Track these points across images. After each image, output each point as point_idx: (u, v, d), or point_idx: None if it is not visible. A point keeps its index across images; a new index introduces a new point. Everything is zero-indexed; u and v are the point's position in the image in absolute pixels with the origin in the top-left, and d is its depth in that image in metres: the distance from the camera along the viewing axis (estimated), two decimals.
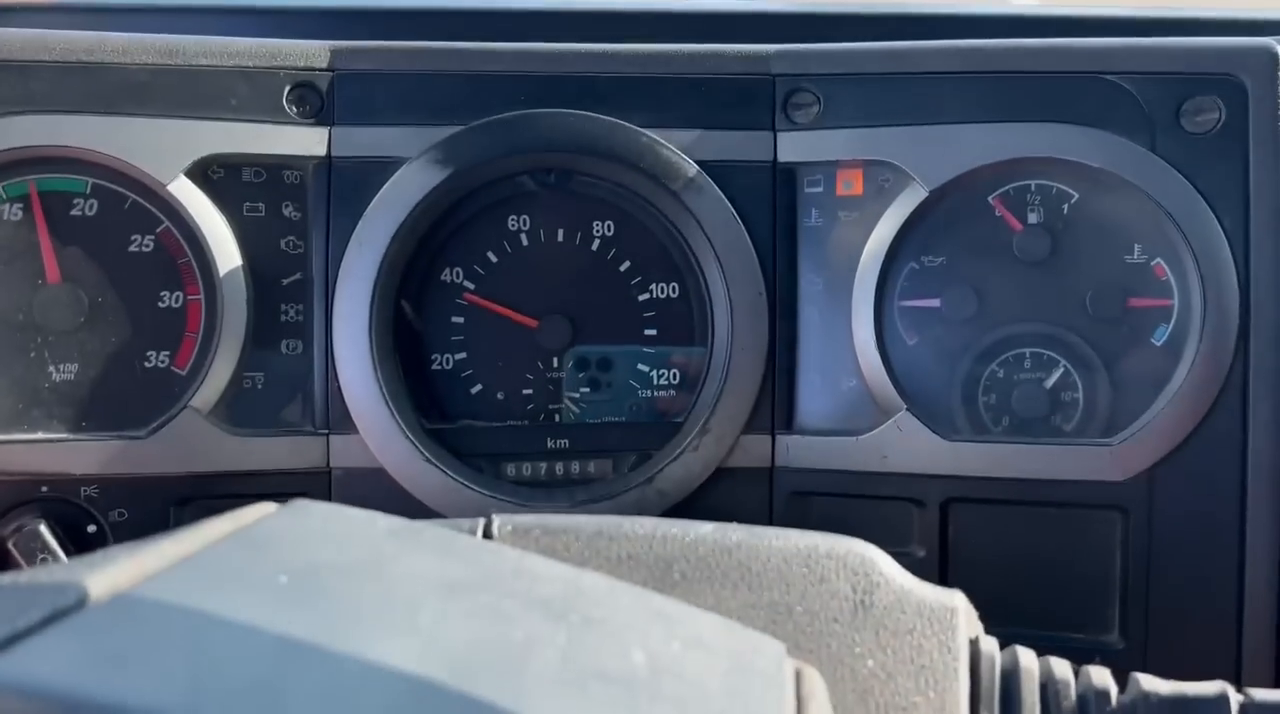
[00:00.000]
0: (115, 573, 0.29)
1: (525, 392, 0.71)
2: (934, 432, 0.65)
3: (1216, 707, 0.36)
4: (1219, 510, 0.63)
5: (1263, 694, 0.36)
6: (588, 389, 0.70)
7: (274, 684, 0.24)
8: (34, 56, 0.64)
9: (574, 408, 0.70)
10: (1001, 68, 0.66)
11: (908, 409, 0.65)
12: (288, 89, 0.67)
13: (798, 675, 0.34)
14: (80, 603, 0.27)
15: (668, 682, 0.30)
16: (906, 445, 0.66)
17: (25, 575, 0.29)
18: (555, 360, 0.70)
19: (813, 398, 0.69)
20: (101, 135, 0.64)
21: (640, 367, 0.71)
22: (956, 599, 0.39)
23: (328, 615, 0.28)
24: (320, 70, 0.68)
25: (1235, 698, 0.36)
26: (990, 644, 0.39)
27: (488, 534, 0.40)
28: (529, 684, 0.27)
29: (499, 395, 0.70)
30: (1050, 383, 0.66)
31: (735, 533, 0.40)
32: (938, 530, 0.66)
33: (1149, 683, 0.38)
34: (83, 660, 0.24)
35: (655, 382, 0.71)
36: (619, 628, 0.32)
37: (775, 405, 0.68)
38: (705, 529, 0.41)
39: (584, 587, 0.35)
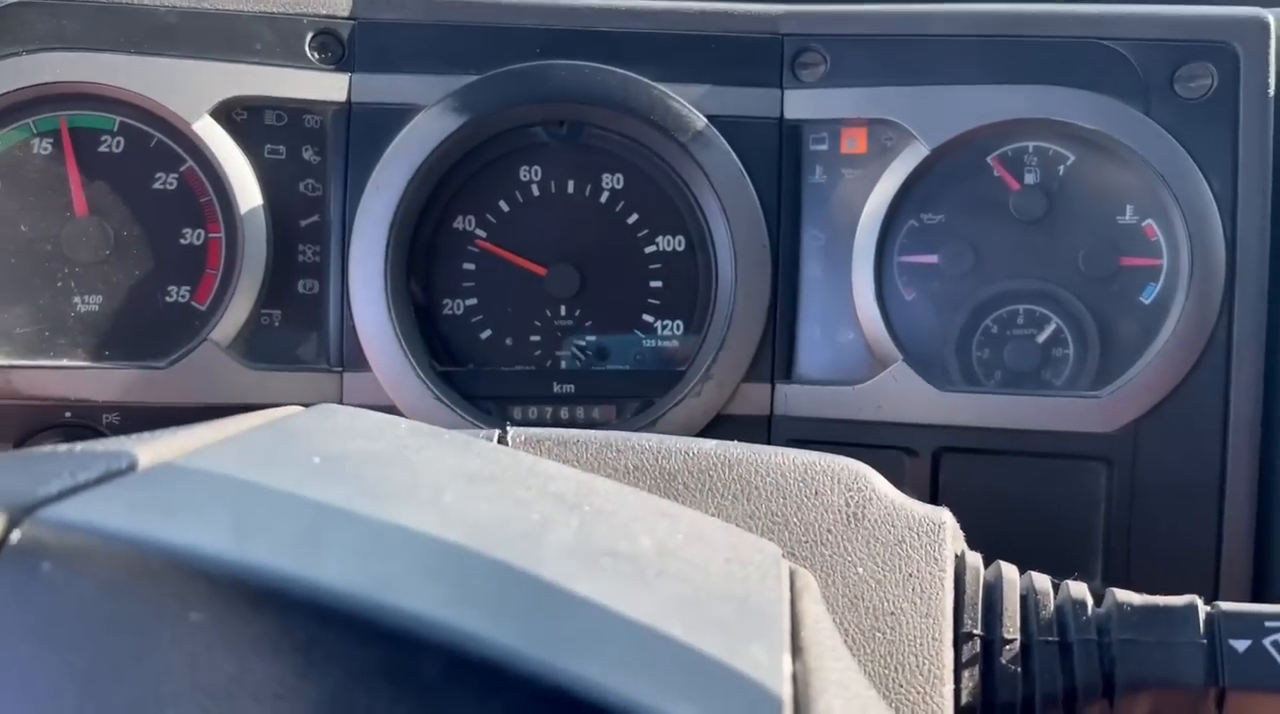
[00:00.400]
0: (161, 447, 0.31)
1: (533, 338, 0.72)
2: (928, 382, 0.67)
3: (1185, 614, 0.38)
4: (1200, 463, 0.65)
5: (1228, 605, 0.38)
6: (594, 337, 0.72)
7: (309, 536, 0.26)
8: None
9: (580, 355, 0.72)
10: (1002, 32, 0.68)
11: (903, 360, 0.67)
12: (310, 35, 0.69)
13: (791, 573, 0.36)
14: (131, 467, 0.29)
15: (672, 563, 0.32)
16: (901, 395, 0.67)
17: (80, 446, 0.31)
18: (563, 308, 0.72)
19: (812, 349, 0.70)
20: (130, 74, 0.66)
21: (645, 316, 0.72)
22: (944, 515, 0.42)
23: (357, 489, 0.30)
24: (342, 18, 0.70)
25: (1203, 608, 0.38)
26: (975, 558, 0.41)
27: (502, 442, 0.42)
28: (545, 554, 0.29)
29: (507, 341, 0.72)
30: (1042, 338, 0.68)
31: (736, 449, 0.42)
32: (929, 479, 0.68)
33: (1123, 595, 0.40)
34: (134, 509, 0.26)
35: (659, 331, 0.73)
36: (627, 520, 0.34)
37: (775, 355, 0.70)
38: (708, 445, 0.43)
39: (595, 486, 0.37)
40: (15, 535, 0.24)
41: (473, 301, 0.72)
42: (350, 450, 0.34)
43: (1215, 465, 0.65)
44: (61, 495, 0.26)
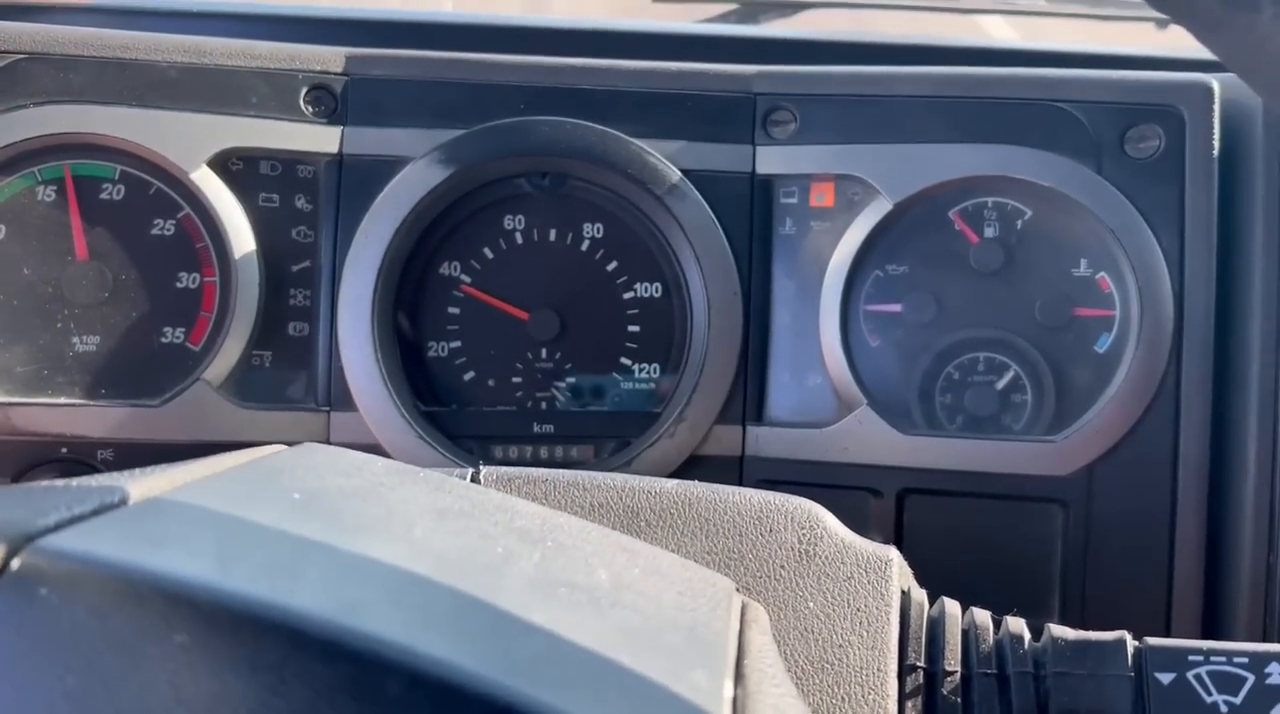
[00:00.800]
0: (150, 482, 0.33)
1: (514, 380, 0.75)
2: (892, 426, 0.69)
3: (1114, 649, 0.40)
4: (1152, 506, 0.67)
5: (1155, 641, 0.41)
6: (574, 379, 0.75)
7: (285, 566, 0.28)
8: (74, 51, 0.69)
9: (559, 396, 0.74)
10: (963, 93, 0.71)
11: (869, 405, 0.70)
12: (305, 90, 0.72)
13: (743, 606, 0.38)
14: (122, 501, 0.31)
15: (626, 595, 0.34)
16: (866, 438, 0.70)
17: (76, 481, 0.33)
18: (544, 350, 0.75)
19: (782, 392, 0.73)
20: (132, 125, 0.69)
21: (622, 359, 0.75)
22: (891, 553, 0.44)
23: (333, 523, 0.32)
24: (336, 74, 0.73)
25: (1131, 643, 0.40)
26: (920, 594, 0.43)
27: (475, 481, 0.44)
28: (506, 584, 0.31)
29: (490, 382, 0.74)
30: (1001, 384, 0.71)
31: (696, 488, 0.45)
32: (894, 518, 0.70)
33: (1059, 631, 0.42)
34: (125, 540, 0.28)
35: (636, 373, 0.75)
36: (587, 554, 0.36)
37: (747, 398, 0.72)
38: (670, 484, 0.45)
39: (558, 522, 0.39)
40: (15, 563, 0.26)
41: (456, 344, 0.75)
42: (328, 486, 0.36)
43: (1166, 507, 0.67)
44: (58, 526, 0.28)
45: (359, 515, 0.34)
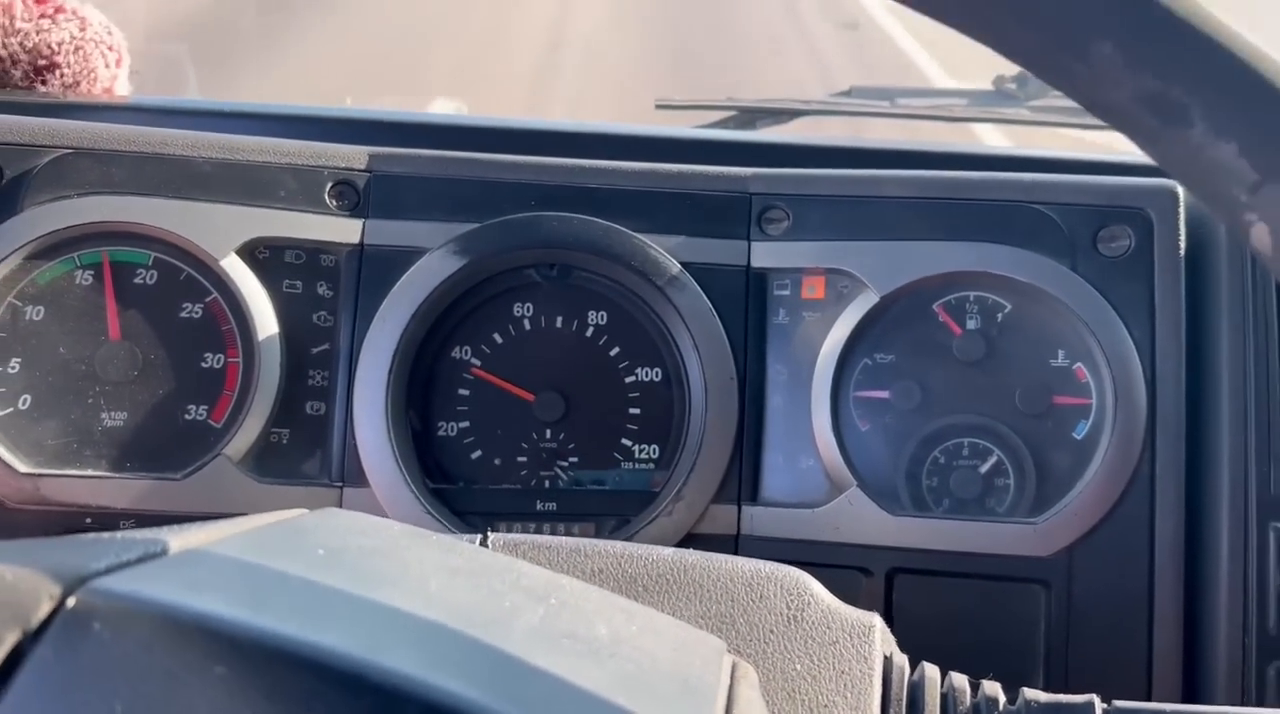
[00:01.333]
0: (188, 536, 0.35)
1: (520, 459, 0.77)
2: (881, 507, 0.72)
3: (1083, 710, 0.42)
4: (1131, 586, 0.69)
5: (1123, 703, 0.42)
6: (576, 459, 0.77)
7: (312, 609, 0.31)
8: (116, 147, 0.73)
9: (562, 476, 0.77)
10: (946, 195, 0.75)
11: (858, 486, 0.72)
12: (329, 185, 0.76)
13: (734, 665, 0.40)
14: (164, 551, 0.33)
15: (624, 648, 0.36)
16: (856, 519, 0.72)
17: (120, 534, 0.35)
18: (548, 431, 0.77)
19: (775, 474, 0.75)
20: (167, 215, 0.73)
21: (624, 441, 0.78)
22: (875, 620, 0.46)
23: (355, 575, 0.35)
24: (359, 170, 0.77)
25: (1100, 705, 0.42)
26: (901, 658, 0.45)
27: (483, 545, 0.46)
28: (513, 633, 0.33)
29: (496, 460, 0.77)
30: (984, 469, 0.73)
31: (691, 556, 0.47)
32: (884, 597, 0.72)
33: (1031, 694, 0.44)
34: (168, 584, 0.31)
35: (637, 455, 0.78)
36: (588, 611, 0.39)
37: (742, 479, 0.75)
38: (666, 552, 0.47)
39: (561, 583, 0.41)
40: (70, 601, 0.28)
41: (465, 424, 0.77)
42: (349, 545, 0.38)
43: (1144, 587, 0.69)
44: (109, 570, 0.31)
45: (377, 570, 0.36)
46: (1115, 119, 0.35)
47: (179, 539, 0.35)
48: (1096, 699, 0.43)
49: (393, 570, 0.37)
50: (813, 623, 0.45)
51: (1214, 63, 0.33)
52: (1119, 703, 0.42)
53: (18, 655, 0.27)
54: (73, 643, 0.28)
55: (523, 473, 0.77)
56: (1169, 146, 0.34)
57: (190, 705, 0.27)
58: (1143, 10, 0.33)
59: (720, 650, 0.40)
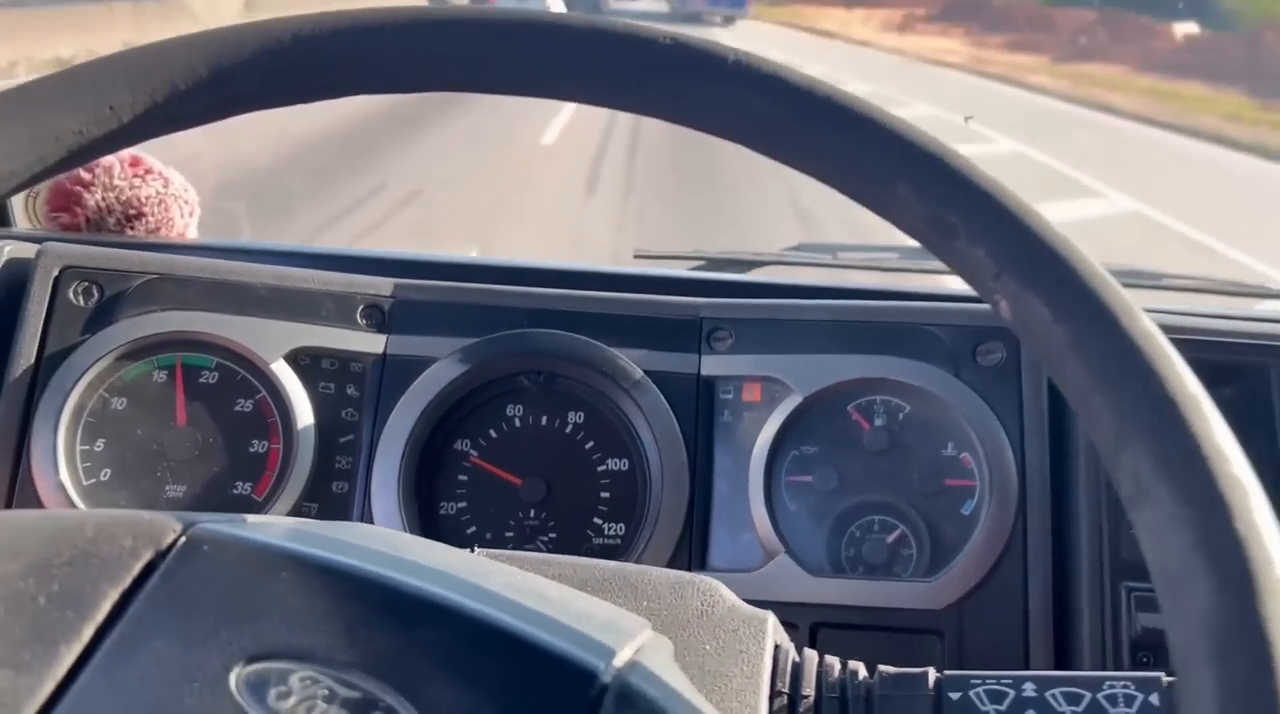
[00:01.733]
0: (265, 517, 0.49)
1: (508, 534, 0.90)
2: (806, 571, 0.85)
3: (922, 677, 0.55)
4: (1010, 634, 0.81)
5: (955, 673, 0.55)
6: (555, 535, 0.90)
7: (359, 552, 0.45)
8: (192, 274, 0.90)
9: (543, 550, 0.90)
10: (858, 318, 0.91)
11: (786, 554, 0.85)
12: (360, 307, 0.92)
13: (654, 635, 0.53)
14: (245, 518, 0.47)
15: (571, 601, 0.49)
16: (785, 581, 0.85)
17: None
18: (532, 511, 0.91)
19: (719, 546, 0.88)
20: (229, 328, 0.88)
21: (595, 520, 0.91)
22: (769, 616, 0.59)
23: (387, 544, 0.49)
24: (385, 297, 0.93)
25: (933, 674, 0.55)
26: (788, 644, 0.58)
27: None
28: (490, 583, 0.47)
29: (488, 535, 0.90)
30: (890, 539, 0.86)
31: (629, 567, 0.60)
32: (808, 647, 0.83)
33: (885, 669, 0.56)
34: (250, 529, 0.45)
35: (606, 531, 0.91)
36: (546, 581, 0.52)
37: (692, 550, 0.88)
38: (611, 565, 0.60)
39: (525, 570, 0.54)
40: (188, 534, 0.42)
41: (464, 504, 0.91)
42: (367, 531, 0.52)
43: (1021, 635, 0.81)
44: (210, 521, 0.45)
45: (404, 543, 0.50)
46: (914, 234, 0.51)
47: (257, 517, 0.49)
48: (932, 669, 0.55)
49: (410, 544, 0.50)
50: (720, 615, 0.58)
51: (970, 195, 0.48)
52: (949, 672, 0.55)
53: (151, 568, 0.41)
54: (188, 559, 0.41)
55: (509, 546, 0.90)
56: (947, 253, 0.50)
57: (266, 608, 0.40)
58: (925, 161, 0.49)
59: (645, 624, 0.53)
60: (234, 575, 0.42)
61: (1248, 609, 0.38)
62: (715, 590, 0.59)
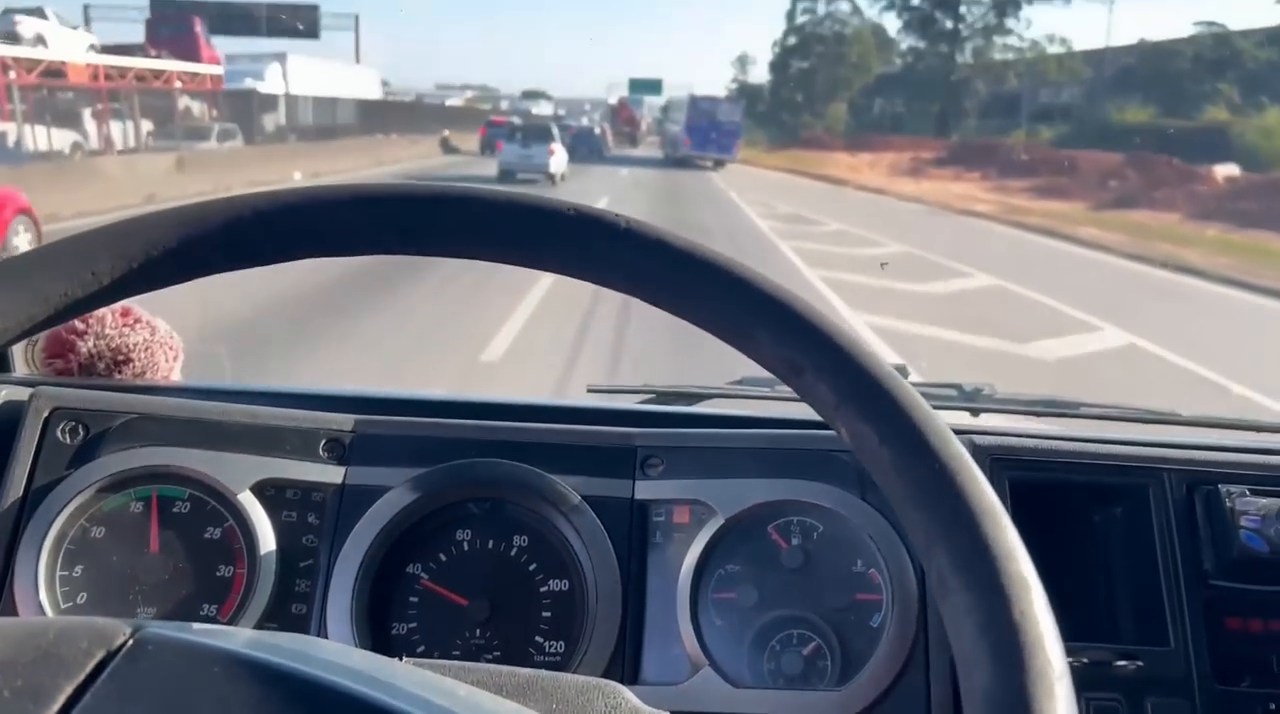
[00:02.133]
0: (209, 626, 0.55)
1: (454, 652, 0.95)
2: (728, 683, 0.90)
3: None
4: None
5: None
6: (498, 653, 0.95)
7: (301, 656, 0.51)
8: (169, 413, 0.97)
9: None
10: (776, 446, 0.99)
11: (710, 667, 0.90)
12: (323, 441, 0.99)
13: None
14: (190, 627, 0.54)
15: (465, 692, 0.55)
16: (710, 692, 0.90)
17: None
18: (478, 630, 0.96)
19: (651, 661, 0.94)
20: (202, 462, 0.96)
21: (537, 638, 0.96)
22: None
23: (332, 653, 0.55)
24: (346, 431, 1.00)
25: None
26: None
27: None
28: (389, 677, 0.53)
29: (435, 653, 0.95)
30: (806, 651, 0.92)
31: (544, 674, 0.66)
32: None
33: None
34: (194, 634, 0.51)
35: (547, 649, 0.96)
36: (463, 689, 0.58)
37: (625, 664, 0.93)
38: (526, 672, 0.66)
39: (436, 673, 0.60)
40: (136, 636, 0.48)
41: (414, 624, 0.96)
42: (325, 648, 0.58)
43: None
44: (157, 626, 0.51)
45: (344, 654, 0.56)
46: (773, 371, 0.59)
47: (202, 625, 0.55)
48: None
49: (336, 650, 0.56)
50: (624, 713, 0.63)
51: (813, 339, 0.57)
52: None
53: (102, 666, 0.47)
54: (135, 658, 0.48)
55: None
56: (798, 386, 0.58)
57: (198, 693, 0.46)
58: (778, 311, 0.57)
59: None
60: (174, 673, 0.48)
61: (1018, 686, 0.45)
62: (619, 694, 0.65)
